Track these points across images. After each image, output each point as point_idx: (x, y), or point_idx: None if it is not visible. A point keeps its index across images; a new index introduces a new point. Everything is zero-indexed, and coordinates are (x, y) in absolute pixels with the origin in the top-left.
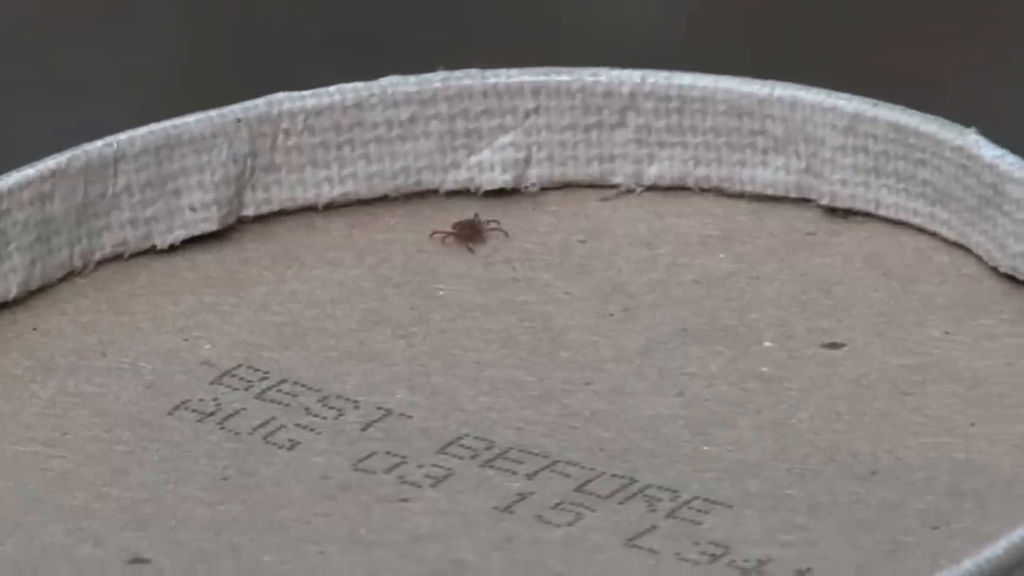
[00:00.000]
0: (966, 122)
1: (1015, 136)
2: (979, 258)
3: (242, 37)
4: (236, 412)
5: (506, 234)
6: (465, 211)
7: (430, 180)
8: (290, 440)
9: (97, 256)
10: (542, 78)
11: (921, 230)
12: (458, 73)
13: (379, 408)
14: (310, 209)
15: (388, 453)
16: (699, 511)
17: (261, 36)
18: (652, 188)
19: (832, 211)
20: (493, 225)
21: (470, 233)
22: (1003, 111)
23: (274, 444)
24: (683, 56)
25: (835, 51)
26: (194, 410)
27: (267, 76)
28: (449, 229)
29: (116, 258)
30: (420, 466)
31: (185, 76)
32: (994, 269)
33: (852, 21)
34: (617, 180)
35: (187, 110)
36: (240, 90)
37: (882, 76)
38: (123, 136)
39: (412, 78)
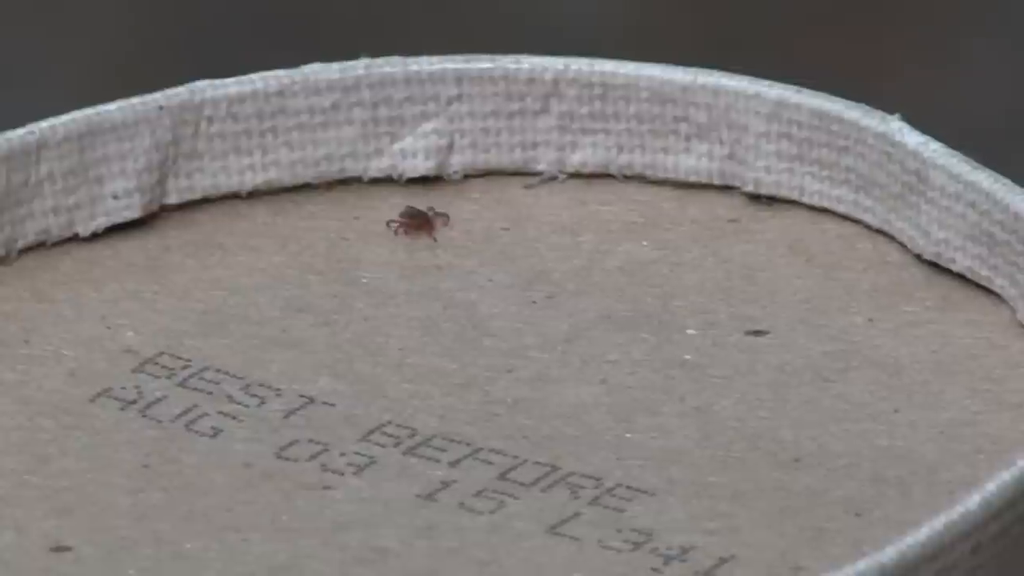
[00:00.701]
0: (891, 109)
1: (941, 123)
2: (902, 245)
3: (166, 25)
4: (158, 400)
5: (445, 223)
6: (388, 198)
7: (353, 167)
8: (212, 428)
9: (19, 244)
10: (464, 65)
11: (845, 217)
12: (380, 60)
13: (301, 396)
14: (233, 197)
15: (310, 441)
16: (622, 499)
17: (184, 23)
18: (575, 175)
19: (756, 198)
20: (442, 218)
21: (419, 224)
22: (930, 98)
23: (196, 432)
24: (606, 43)
25: (760, 39)
26: (116, 398)
27: (189, 63)
28: (400, 219)
29: (38, 246)
30: (343, 454)
31: (108, 64)
32: (917, 256)
33: (778, 8)
34: (540, 167)
35: (110, 98)
36: (163, 78)
37: (808, 64)
38: (45, 124)
39: (335, 65)
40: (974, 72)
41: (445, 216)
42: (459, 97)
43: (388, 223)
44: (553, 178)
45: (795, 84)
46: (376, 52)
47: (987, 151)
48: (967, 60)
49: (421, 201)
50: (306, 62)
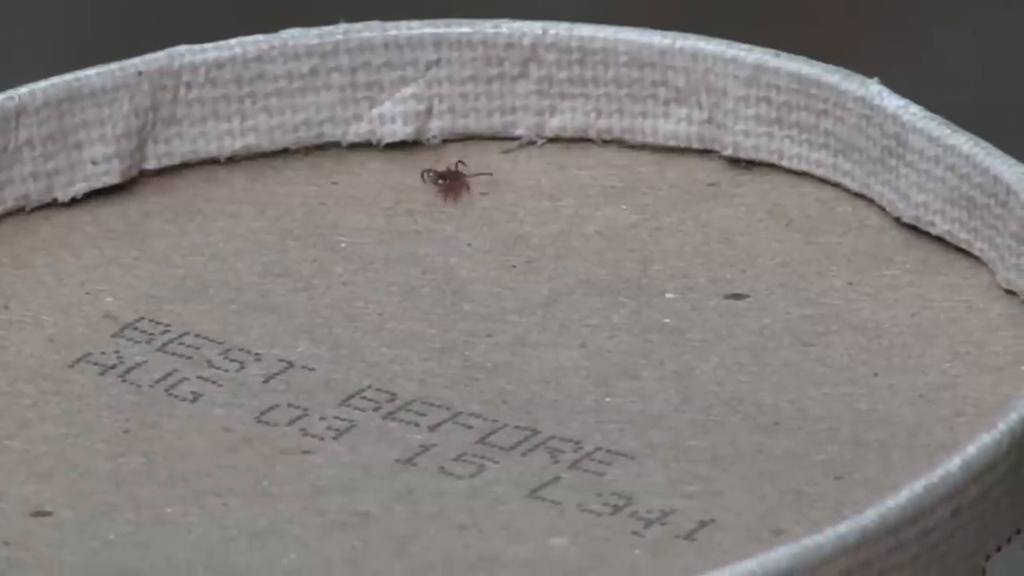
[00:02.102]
0: (871, 72)
1: (920, 86)
2: (882, 208)
3: None
4: (138, 365)
5: (468, 188)
6: (367, 163)
7: (332, 132)
8: (192, 392)
9: None
10: (443, 30)
11: (824, 181)
12: (359, 25)
13: (281, 360)
14: (212, 162)
15: (290, 405)
16: (602, 462)
17: None
18: (554, 140)
19: (735, 162)
20: (483, 175)
21: (456, 185)
22: (908, 61)
23: (176, 397)
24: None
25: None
26: (96, 363)
27: (169, 29)
28: (432, 181)
29: (18, 211)
30: (322, 418)
31: (87, 30)
32: (897, 219)
33: None
34: (519, 132)
35: (89, 63)
36: (142, 43)
37: (787, 28)
38: (24, 89)
39: (313, 31)
40: (938, 62)
41: (488, 174)
42: (438, 62)
43: (423, 174)
44: (532, 143)
45: (775, 48)
46: (355, 17)
47: None
48: (931, 49)
49: (400, 167)
50: (285, 27)
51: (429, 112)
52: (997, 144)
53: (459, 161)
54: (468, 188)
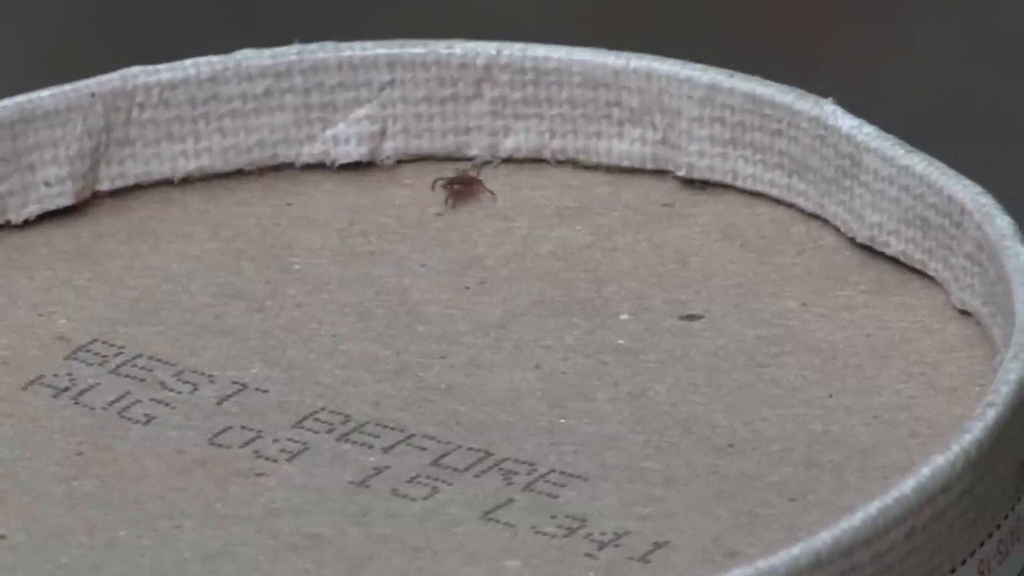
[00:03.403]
0: (825, 93)
1: (878, 108)
2: (836, 229)
3: (98, 11)
4: (91, 387)
5: (492, 194)
6: (321, 184)
7: (286, 154)
8: (145, 415)
9: None
10: (397, 51)
11: (778, 201)
12: (313, 46)
13: (234, 382)
14: (166, 183)
15: (244, 427)
16: (556, 484)
17: (116, 10)
18: (508, 160)
19: (689, 182)
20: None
21: (469, 189)
22: (868, 84)
23: (129, 419)
24: (538, 28)
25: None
26: (49, 385)
27: (121, 50)
28: (443, 186)
29: None
30: (276, 440)
31: (39, 51)
32: (851, 240)
33: None
34: (473, 152)
35: (41, 85)
36: (94, 64)
37: (744, 48)
38: None
39: (267, 51)
40: (911, 58)
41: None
42: (391, 83)
43: (433, 184)
44: (486, 163)
45: (733, 68)
46: (309, 38)
47: (923, 137)
48: (905, 46)
49: (354, 188)
50: (238, 48)
51: (383, 133)
52: (968, 141)
53: (473, 166)
54: (480, 195)
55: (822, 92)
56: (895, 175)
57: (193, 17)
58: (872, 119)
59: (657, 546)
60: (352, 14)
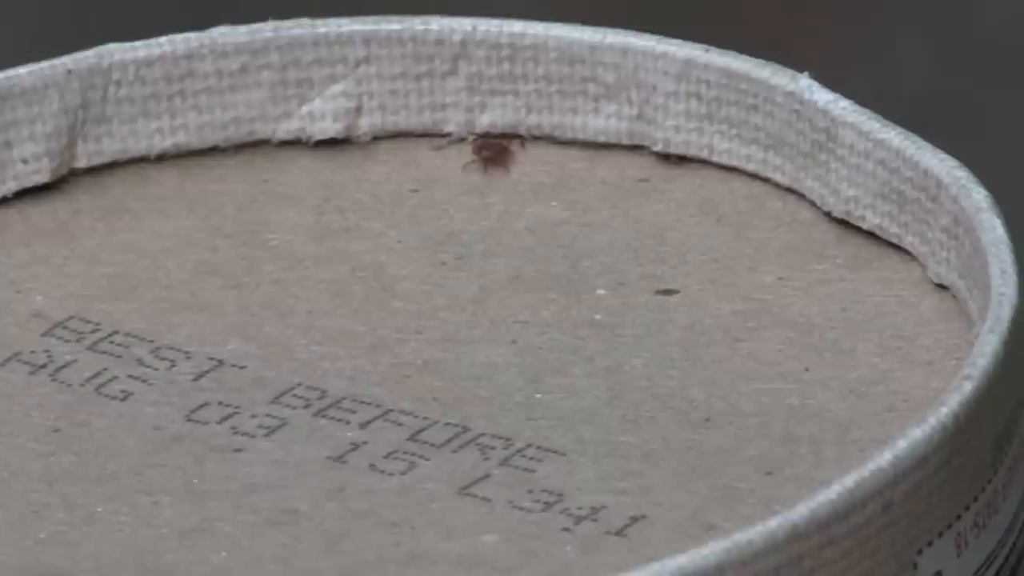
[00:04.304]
0: (801, 68)
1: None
2: (812, 203)
3: None
4: (68, 364)
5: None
6: (297, 160)
7: (262, 130)
8: (122, 391)
9: None
10: (372, 27)
11: (754, 176)
12: (289, 23)
13: (211, 359)
14: (142, 160)
15: (221, 403)
16: (532, 459)
17: None
18: (484, 136)
19: (665, 158)
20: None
21: (498, 157)
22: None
23: (106, 395)
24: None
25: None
26: (26, 362)
27: (97, 27)
28: (473, 151)
29: None
30: (253, 416)
31: (15, 28)
32: (827, 214)
33: None
34: (449, 129)
35: (18, 62)
36: (71, 41)
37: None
38: None
39: (243, 28)
40: (887, 56)
41: (521, 139)
42: (367, 59)
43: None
44: (462, 139)
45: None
46: (284, 14)
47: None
48: (881, 44)
49: (330, 164)
50: (214, 25)
51: (359, 109)
52: (946, 132)
53: (503, 134)
54: (510, 164)
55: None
56: (871, 149)
57: None
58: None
59: (634, 520)
60: None
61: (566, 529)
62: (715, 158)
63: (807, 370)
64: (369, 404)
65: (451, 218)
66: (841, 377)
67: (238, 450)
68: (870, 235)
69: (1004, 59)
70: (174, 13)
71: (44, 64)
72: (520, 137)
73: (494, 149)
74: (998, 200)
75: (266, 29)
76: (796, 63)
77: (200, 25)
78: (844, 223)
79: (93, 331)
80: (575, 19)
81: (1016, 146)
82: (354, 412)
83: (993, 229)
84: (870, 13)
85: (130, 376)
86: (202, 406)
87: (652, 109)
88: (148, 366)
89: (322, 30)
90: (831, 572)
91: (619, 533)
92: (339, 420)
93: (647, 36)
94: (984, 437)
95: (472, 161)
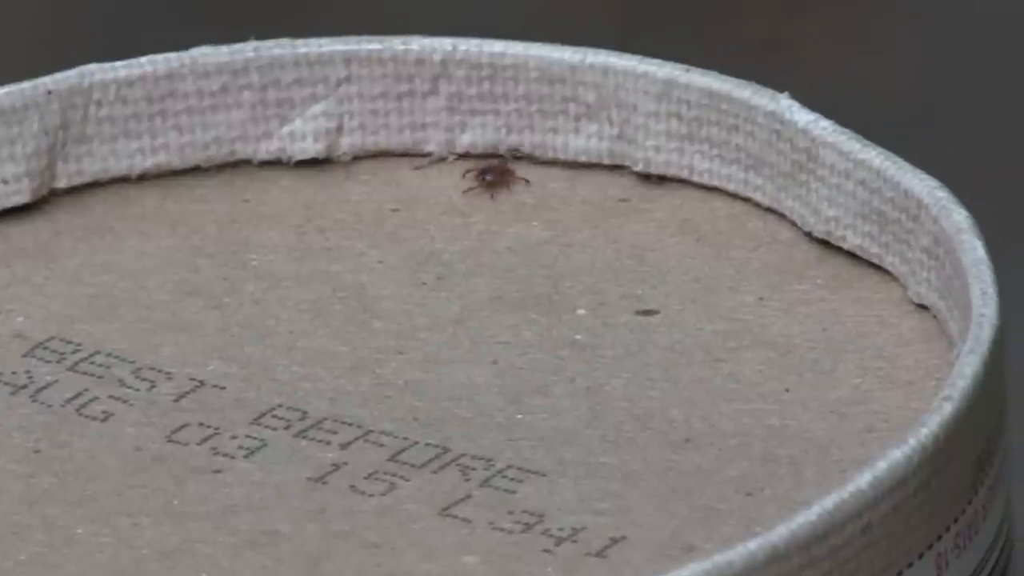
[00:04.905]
0: (799, 89)
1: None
2: (793, 223)
3: (55, 8)
4: (48, 384)
5: (527, 181)
6: (278, 180)
7: (243, 150)
8: (103, 412)
9: None
10: (353, 47)
11: (735, 196)
12: (269, 43)
13: (192, 379)
14: (123, 180)
15: (201, 424)
16: (513, 480)
17: (74, 7)
18: (465, 156)
19: (646, 177)
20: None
21: (500, 180)
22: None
23: (87, 416)
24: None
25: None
26: (6, 383)
27: (78, 47)
28: (474, 177)
29: None
30: (233, 437)
31: None
32: (808, 234)
33: None
34: (430, 148)
35: None
36: (51, 62)
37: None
38: None
39: (224, 48)
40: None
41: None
42: (348, 79)
43: (465, 174)
44: (442, 159)
45: (699, 64)
46: (265, 35)
47: (896, 132)
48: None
49: (311, 184)
50: (195, 45)
51: (340, 129)
52: (943, 127)
53: (502, 155)
54: (513, 184)
55: (795, 88)
56: (851, 169)
57: (149, 14)
58: (846, 115)
59: (614, 541)
60: (308, 10)
61: (547, 551)
62: (695, 178)
63: (787, 390)
64: (350, 425)
65: (432, 238)
66: (821, 397)
67: (218, 471)
68: (851, 255)
69: (1001, 54)
70: (154, 33)
71: (24, 84)
72: (513, 150)
73: (495, 172)
74: (996, 194)
75: (247, 49)
76: (795, 60)
77: (181, 45)
78: (824, 243)
79: (74, 352)
80: (583, 24)
81: (1014, 141)
82: (335, 433)
83: (974, 250)
84: (868, 9)
85: (111, 397)
86: (183, 427)
87: (632, 129)
88: (129, 387)
89: (303, 50)
90: None
91: (599, 555)
92: (320, 441)
93: (627, 56)
94: (964, 458)
95: (471, 188)
